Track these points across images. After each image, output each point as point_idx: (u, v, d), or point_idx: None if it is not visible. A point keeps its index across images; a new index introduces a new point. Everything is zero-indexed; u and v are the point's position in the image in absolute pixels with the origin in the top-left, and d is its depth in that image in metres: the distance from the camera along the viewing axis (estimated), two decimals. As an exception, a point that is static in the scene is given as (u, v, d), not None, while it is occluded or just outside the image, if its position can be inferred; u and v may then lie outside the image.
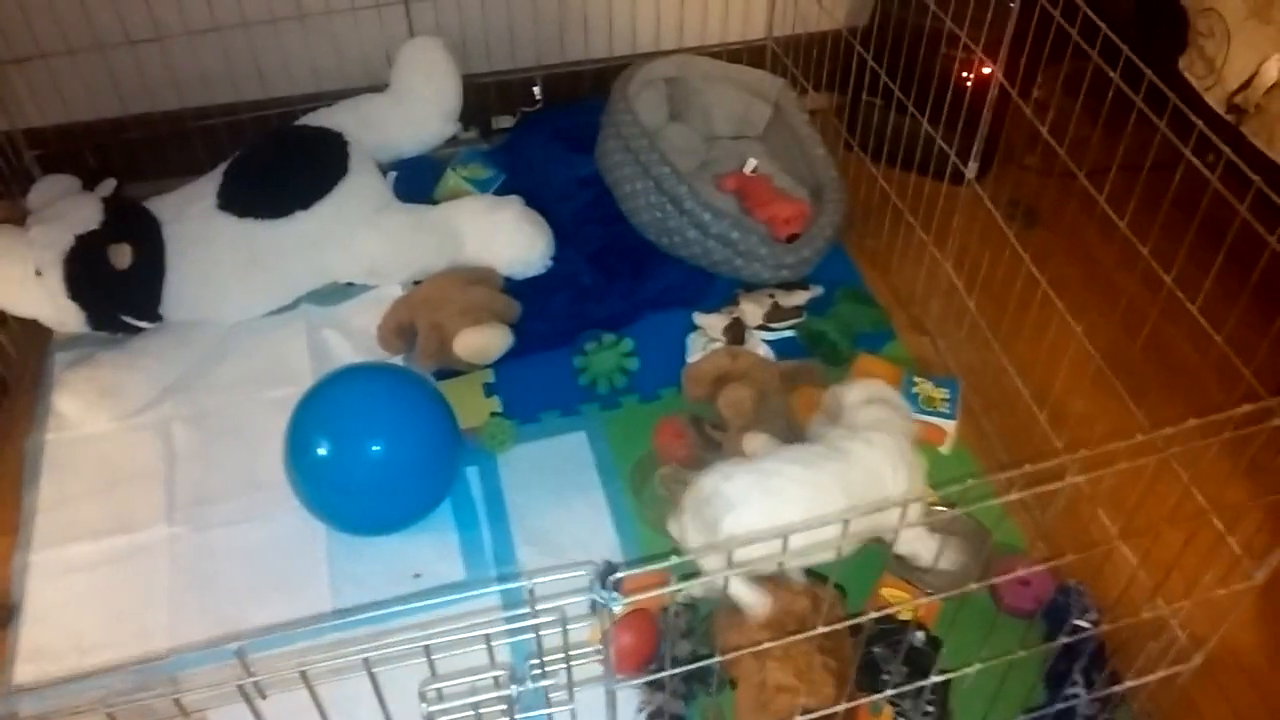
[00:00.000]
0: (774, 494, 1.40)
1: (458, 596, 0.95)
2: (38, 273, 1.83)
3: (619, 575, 0.92)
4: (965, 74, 2.06)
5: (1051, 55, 1.65)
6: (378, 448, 1.58)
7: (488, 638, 0.92)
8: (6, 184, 2.11)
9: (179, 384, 1.92)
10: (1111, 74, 1.46)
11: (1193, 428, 1.00)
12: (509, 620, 0.91)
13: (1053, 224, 2.19)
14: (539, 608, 0.91)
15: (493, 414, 1.84)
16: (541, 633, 0.94)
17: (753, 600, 1.35)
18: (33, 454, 1.84)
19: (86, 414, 1.85)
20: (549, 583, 0.92)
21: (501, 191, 2.17)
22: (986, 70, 1.83)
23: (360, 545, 1.67)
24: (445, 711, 0.95)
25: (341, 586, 1.63)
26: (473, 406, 1.85)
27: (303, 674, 0.91)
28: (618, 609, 0.94)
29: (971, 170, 1.85)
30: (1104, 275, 1.99)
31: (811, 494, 1.40)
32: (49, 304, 1.86)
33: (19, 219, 1.91)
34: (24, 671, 1.56)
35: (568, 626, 0.94)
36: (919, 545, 1.50)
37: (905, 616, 1.51)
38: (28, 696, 1.43)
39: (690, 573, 1.47)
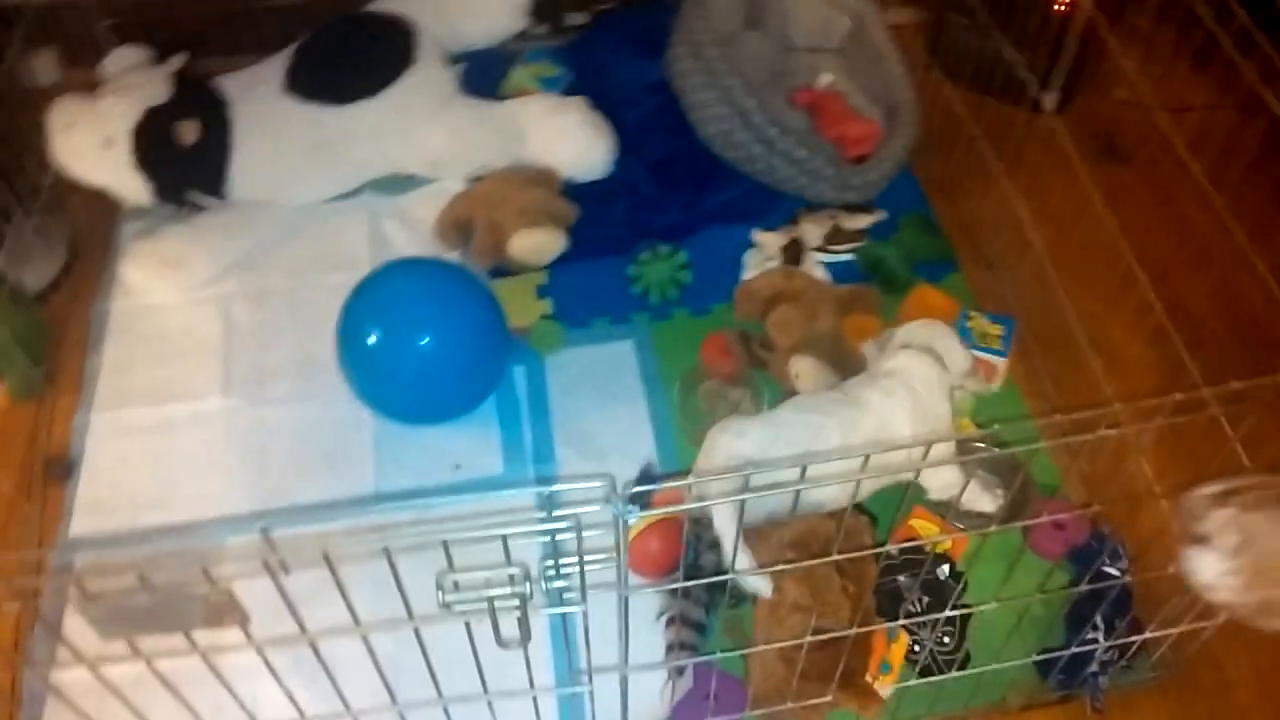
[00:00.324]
0: (791, 446, 1.40)
1: (478, 496, 0.96)
2: (107, 143, 1.87)
3: (637, 489, 0.93)
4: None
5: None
6: (426, 340, 1.60)
7: (504, 538, 0.93)
8: (83, 53, 2.13)
9: (241, 262, 1.96)
10: (1202, 7, 1.39)
11: (1233, 390, 0.97)
12: (525, 523, 0.93)
13: (1138, 161, 2.11)
14: (557, 513, 0.93)
15: (543, 316, 1.85)
16: (560, 538, 0.96)
17: (760, 586, 1.36)
18: (98, 319, 1.89)
19: (150, 284, 1.90)
20: (570, 490, 0.93)
21: (568, 91, 2.14)
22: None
23: (406, 433, 1.71)
24: (461, 601, 0.97)
25: (385, 470, 1.67)
26: (524, 307, 1.86)
27: (325, 556, 0.94)
28: (633, 521, 0.95)
29: (1050, 100, 1.79)
30: (1182, 218, 1.92)
31: (827, 447, 1.41)
32: (117, 175, 1.90)
33: (92, 88, 1.93)
34: (80, 524, 1.64)
35: (583, 533, 0.95)
36: (948, 488, 1.50)
37: (935, 551, 1.52)
38: (83, 550, 1.50)
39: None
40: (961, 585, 1.48)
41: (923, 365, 1.50)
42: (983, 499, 1.52)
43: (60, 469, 1.68)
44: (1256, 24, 1.36)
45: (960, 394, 1.70)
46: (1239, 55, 1.36)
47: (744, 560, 1.34)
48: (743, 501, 0.99)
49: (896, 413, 1.45)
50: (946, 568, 1.50)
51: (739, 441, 1.41)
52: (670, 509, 1.39)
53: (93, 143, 1.88)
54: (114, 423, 1.75)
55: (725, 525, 1.35)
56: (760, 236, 1.90)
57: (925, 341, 1.53)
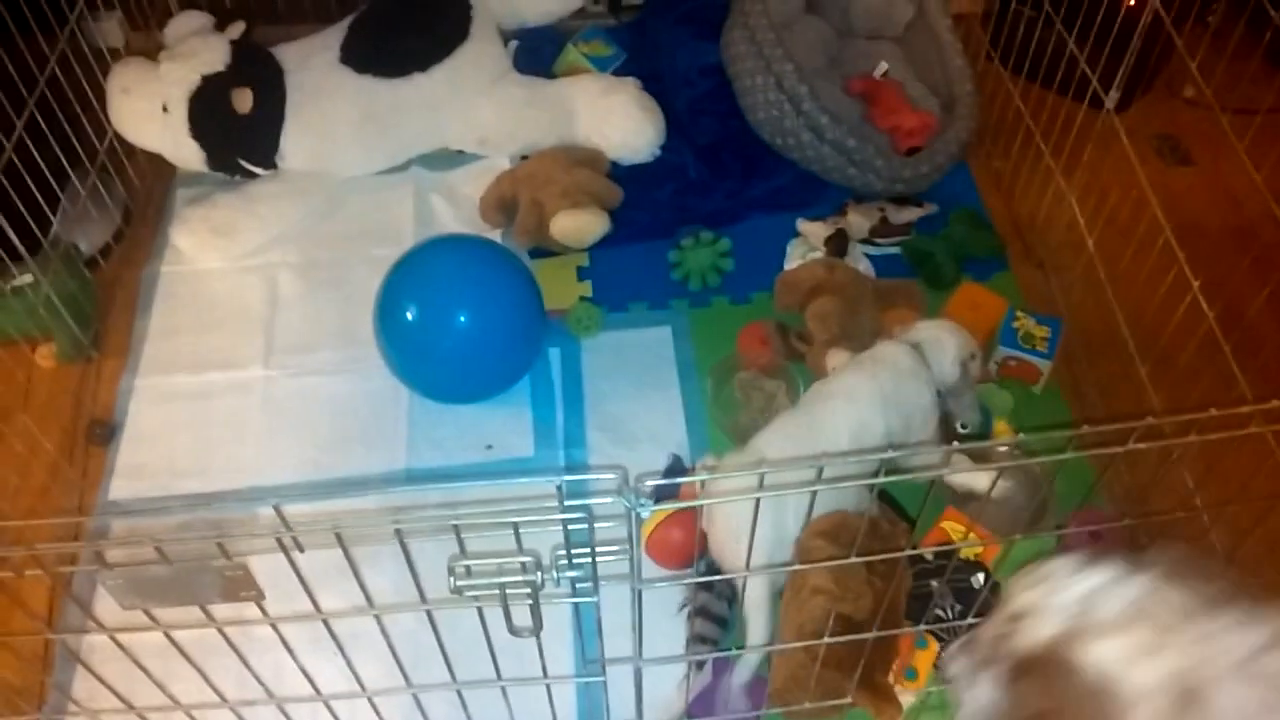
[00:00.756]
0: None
1: (494, 481, 0.95)
2: (165, 108, 1.89)
3: (652, 483, 0.92)
4: (1126, -8, 1.91)
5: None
6: (463, 319, 1.61)
7: (515, 526, 0.93)
8: (146, 16, 2.16)
9: (289, 232, 1.98)
10: (1272, 11, 1.34)
11: (1275, 408, 0.94)
12: (538, 512, 0.92)
13: (1201, 164, 2.05)
14: (569, 504, 0.92)
15: (582, 298, 1.85)
16: (574, 528, 0.96)
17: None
18: (148, 283, 1.93)
19: (199, 251, 1.92)
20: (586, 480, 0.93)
21: (622, 72, 2.13)
22: (1145, -9, 1.70)
23: (440, 411, 1.72)
24: (473, 587, 0.97)
25: (418, 447, 1.69)
26: (563, 288, 1.86)
27: (338, 535, 0.94)
28: (646, 515, 0.95)
29: (1111, 100, 1.73)
30: (1245, 225, 1.87)
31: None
32: (172, 140, 1.92)
33: (154, 52, 1.96)
34: (119, 487, 1.67)
35: (596, 524, 0.95)
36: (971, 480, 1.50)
37: (967, 556, 1.49)
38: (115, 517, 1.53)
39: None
40: (997, 597, 1.45)
41: (898, 356, 1.52)
42: (976, 477, 1.51)
43: (103, 432, 1.71)
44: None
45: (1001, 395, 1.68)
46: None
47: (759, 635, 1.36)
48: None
49: (862, 398, 1.47)
50: (981, 576, 1.47)
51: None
52: (686, 504, 1.39)
53: (150, 108, 1.91)
54: (157, 388, 1.78)
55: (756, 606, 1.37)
56: (805, 226, 1.88)
57: (918, 339, 1.54)
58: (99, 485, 1.66)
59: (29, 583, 1.45)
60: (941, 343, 1.55)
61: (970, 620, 1.36)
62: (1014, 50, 2.06)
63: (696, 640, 1.42)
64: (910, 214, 1.91)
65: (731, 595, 1.45)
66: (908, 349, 1.53)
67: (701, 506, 1.39)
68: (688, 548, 1.46)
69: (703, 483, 0.96)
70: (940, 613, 1.44)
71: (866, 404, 1.48)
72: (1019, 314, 1.73)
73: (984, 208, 2.00)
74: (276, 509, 0.91)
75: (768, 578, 1.37)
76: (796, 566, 1.31)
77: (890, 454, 0.93)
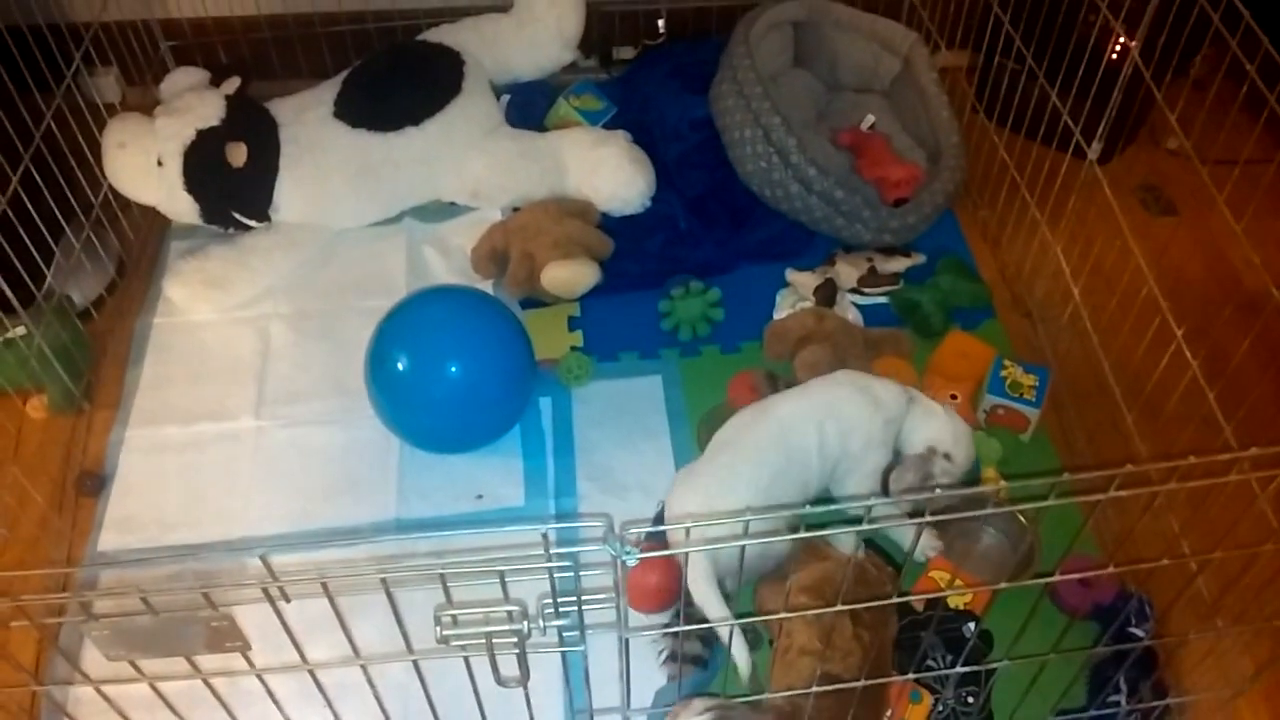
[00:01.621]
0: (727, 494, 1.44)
1: (481, 531, 0.96)
2: (159, 162, 1.91)
3: (636, 531, 0.93)
4: (1108, 45, 1.95)
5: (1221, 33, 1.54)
6: (454, 369, 1.62)
7: (502, 574, 0.93)
8: (142, 72, 2.19)
9: (281, 284, 1.99)
10: (1248, 65, 1.37)
11: (1254, 456, 0.95)
12: (524, 561, 0.93)
13: (1185, 214, 2.08)
14: (555, 552, 0.93)
15: (573, 348, 1.86)
16: (560, 576, 0.96)
17: (743, 662, 1.36)
18: (140, 335, 1.93)
19: (192, 302, 1.94)
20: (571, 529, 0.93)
21: (613, 125, 2.16)
22: (1130, 43, 1.73)
23: (430, 461, 1.72)
24: (459, 637, 0.97)
25: (408, 498, 1.69)
26: (554, 338, 1.87)
27: (324, 585, 0.94)
28: (632, 563, 0.95)
29: (1094, 151, 1.76)
30: (1229, 273, 1.89)
31: (753, 454, 1.47)
32: (166, 193, 1.94)
33: (150, 107, 1.98)
34: (108, 539, 1.66)
35: (582, 573, 0.95)
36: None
37: (956, 604, 1.49)
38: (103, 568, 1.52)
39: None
40: (988, 646, 1.44)
41: (842, 375, 1.56)
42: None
43: (93, 483, 1.71)
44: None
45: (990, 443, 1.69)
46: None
47: (716, 612, 1.36)
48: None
49: (801, 416, 1.50)
50: (971, 625, 1.47)
51: (696, 495, 1.46)
52: (667, 552, 1.39)
53: (145, 162, 1.92)
54: (148, 439, 1.78)
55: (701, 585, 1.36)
56: (794, 276, 1.89)
57: (916, 395, 1.56)
58: (88, 537, 1.66)
59: (16, 634, 1.45)
60: (930, 413, 1.55)
61: (961, 669, 1.36)
62: (999, 103, 2.09)
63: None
64: (898, 264, 1.93)
65: (708, 636, 1.45)
66: (855, 383, 1.55)
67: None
68: (663, 592, 1.46)
69: (688, 530, 0.97)
70: (931, 663, 1.44)
71: (797, 405, 1.51)
72: (1007, 363, 1.74)
73: (971, 257, 2.02)
74: (264, 559, 0.91)
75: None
76: (783, 615, 1.30)
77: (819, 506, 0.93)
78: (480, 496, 1.68)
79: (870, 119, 2.16)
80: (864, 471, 1.52)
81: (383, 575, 0.93)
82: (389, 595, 0.96)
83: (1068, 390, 1.77)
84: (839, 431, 1.49)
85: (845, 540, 1.49)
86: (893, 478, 1.52)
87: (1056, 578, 1.18)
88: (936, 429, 1.53)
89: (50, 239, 1.78)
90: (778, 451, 1.47)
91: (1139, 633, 1.42)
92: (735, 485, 1.44)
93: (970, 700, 1.41)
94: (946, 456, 1.52)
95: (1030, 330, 1.90)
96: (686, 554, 1.31)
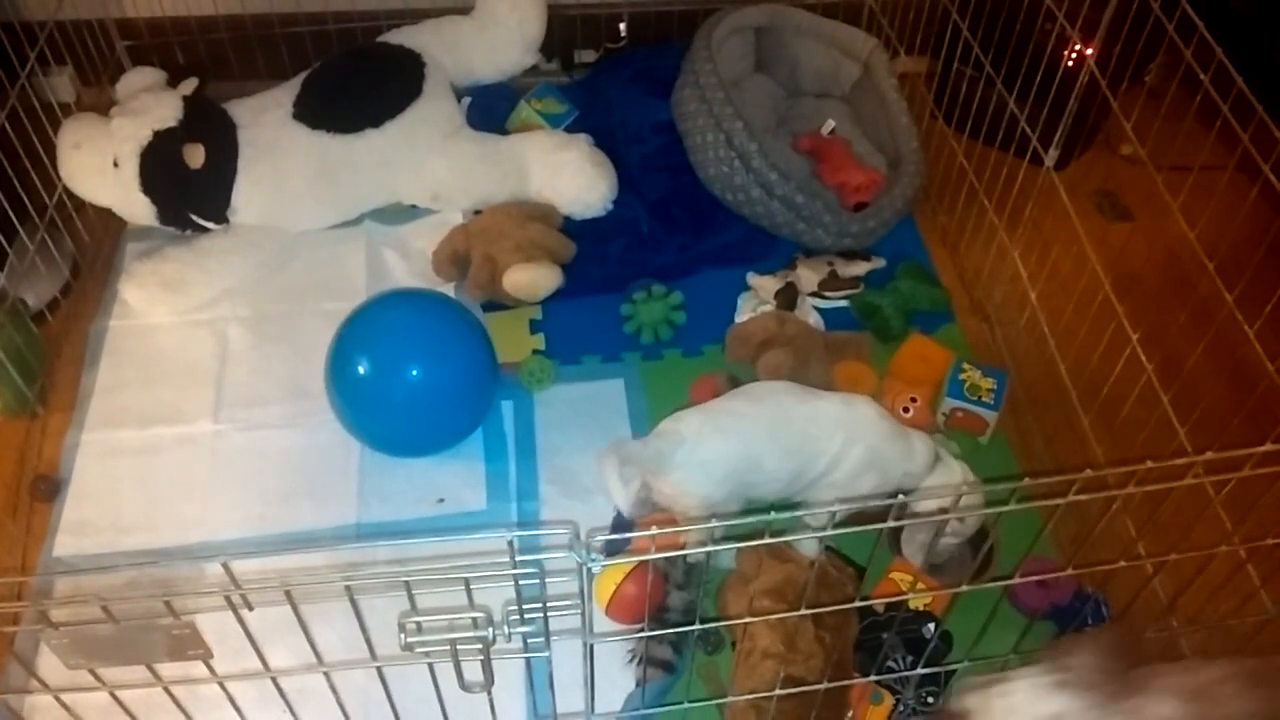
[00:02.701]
0: (722, 430, 1.45)
1: (445, 538, 0.96)
2: (115, 164, 1.89)
3: (601, 538, 0.93)
4: (1064, 53, 1.97)
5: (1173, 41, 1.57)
6: (415, 372, 1.61)
7: (467, 581, 0.93)
8: (98, 72, 2.16)
9: (239, 287, 1.97)
10: (1201, 75, 1.40)
11: (1208, 460, 0.97)
12: (489, 568, 0.92)
13: (1141, 219, 2.11)
14: (520, 559, 0.93)
15: (534, 351, 1.86)
16: (525, 583, 0.96)
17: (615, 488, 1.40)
18: (95, 338, 1.90)
19: (148, 305, 1.91)
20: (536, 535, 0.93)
21: (575, 128, 2.16)
22: (1087, 51, 1.75)
23: (391, 464, 1.71)
24: (424, 644, 0.97)
25: (368, 501, 1.67)
26: (516, 342, 1.86)
27: (287, 592, 0.94)
28: (597, 570, 0.95)
29: (1051, 158, 1.79)
30: (1184, 278, 1.92)
31: (752, 425, 1.46)
32: (122, 195, 1.91)
33: (106, 108, 1.96)
34: (64, 543, 1.64)
35: (548, 579, 0.95)
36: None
37: (916, 606, 1.51)
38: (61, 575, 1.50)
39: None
40: (948, 646, 1.46)
41: (886, 424, 1.52)
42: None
43: (48, 488, 1.69)
44: (1253, 87, 1.36)
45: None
46: (1235, 116, 1.36)
47: (620, 496, 1.40)
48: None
49: (834, 422, 1.48)
50: (932, 626, 1.48)
51: (677, 423, 1.47)
52: (637, 558, 1.39)
53: (100, 163, 1.90)
54: (104, 443, 1.76)
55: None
56: (755, 280, 1.90)
57: (906, 432, 1.55)
58: (43, 542, 1.63)
59: (-33, 642, 1.42)
60: (951, 474, 1.53)
61: (921, 670, 1.37)
62: (957, 109, 2.11)
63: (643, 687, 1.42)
64: (858, 268, 1.94)
65: (678, 642, 1.45)
66: (907, 429, 1.54)
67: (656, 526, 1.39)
68: (641, 602, 1.46)
69: (653, 538, 0.97)
70: (892, 664, 1.45)
71: (837, 410, 1.50)
72: (965, 366, 1.76)
73: (930, 262, 2.04)
74: (225, 566, 0.91)
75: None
76: (747, 620, 1.31)
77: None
78: (442, 500, 1.67)
79: (831, 124, 2.18)
80: (843, 490, 1.52)
81: (347, 583, 0.93)
82: (353, 603, 0.95)
83: (1025, 393, 1.79)
84: (859, 459, 1.48)
85: (808, 545, 1.50)
86: (904, 537, 1.53)
87: (1015, 580, 1.20)
88: (924, 455, 1.52)
89: (4, 240, 1.75)
90: (790, 432, 1.46)
91: (1094, 633, 1.44)
92: (733, 430, 1.45)
93: (930, 700, 1.43)
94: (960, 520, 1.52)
95: (988, 334, 1.93)
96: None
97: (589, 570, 0.93)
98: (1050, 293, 1.80)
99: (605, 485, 1.41)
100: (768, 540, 0.96)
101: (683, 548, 1.43)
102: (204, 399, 1.81)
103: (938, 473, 1.53)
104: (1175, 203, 1.49)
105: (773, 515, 0.94)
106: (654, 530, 0.93)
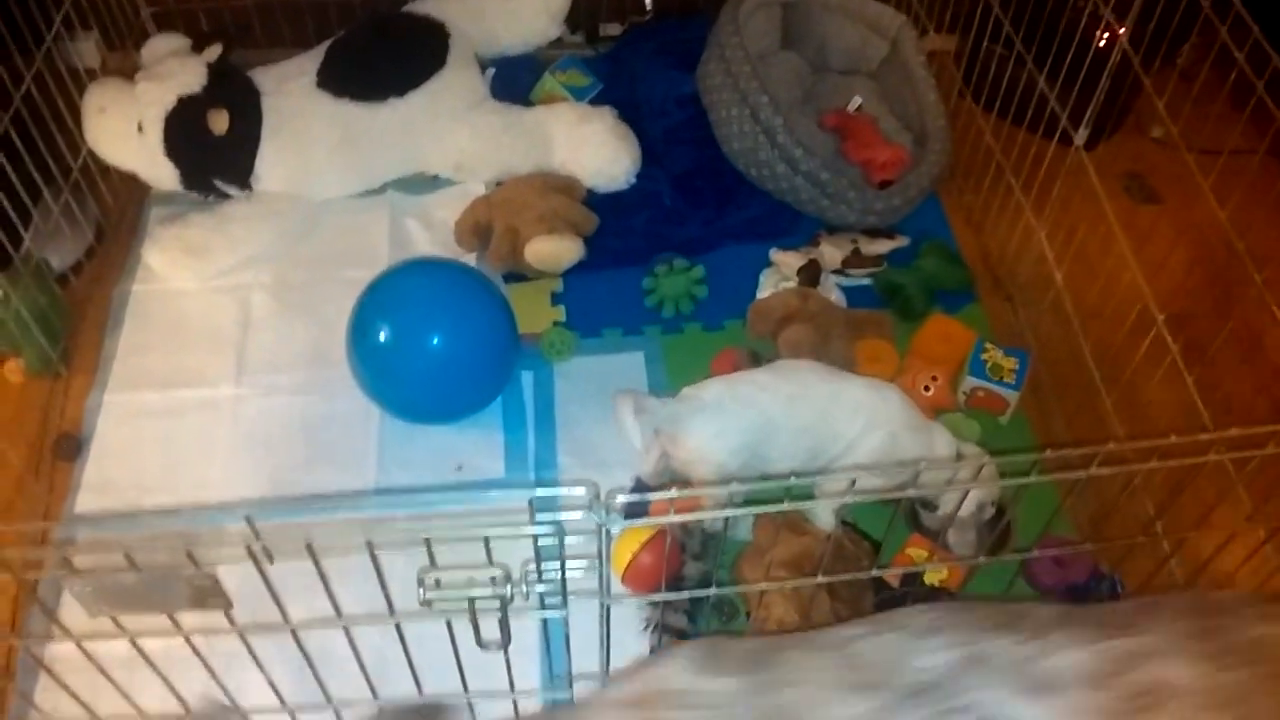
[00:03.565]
0: (741, 399, 1.46)
1: (466, 496, 0.96)
2: (140, 128, 1.89)
3: (622, 499, 0.93)
4: (1096, 32, 1.96)
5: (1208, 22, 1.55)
6: (436, 341, 1.61)
7: (486, 539, 0.93)
8: (123, 37, 2.17)
9: (262, 253, 1.97)
10: (1236, 52, 1.38)
11: (1231, 437, 0.96)
12: (508, 526, 0.93)
13: (1169, 202, 2.09)
14: (540, 518, 0.93)
15: (555, 323, 1.86)
16: (544, 543, 0.96)
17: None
18: (119, 301, 1.91)
19: (171, 270, 1.92)
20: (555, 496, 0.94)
21: (598, 101, 2.15)
22: (1119, 31, 1.73)
23: (411, 431, 1.72)
24: (442, 600, 0.97)
25: (388, 468, 1.68)
26: (537, 313, 1.86)
27: (308, 546, 0.94)
28: (616, 531, 0.95)
29: (1080, 137, 1.77)
30: (1210, 261, 1.90)
31: (773, 398, 1.46)
32: (147, 160, 1.92)
33: (131, 73, 1.96)
34: (85, 501, 1.65)
35: (566, 540, 0.95)
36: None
37: (932, 581, 1.50)
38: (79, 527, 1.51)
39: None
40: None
41: (910, 416, 1.52)
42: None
43: (70, 447, 1.70)
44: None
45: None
46: (1270, 98, 1.34)
47: (634, 435, 1.44)
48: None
49: (857, 406, 1.49)
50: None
51: (699, 390, 1.48)
52: (656, 519, 1.39)
53: (125, 127, 1.90)
54: (126, 404, 1.77)
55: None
56: (778, 256, 1.90)
57: (928, 427, 1.55)
58: (65, 500, 1.64)
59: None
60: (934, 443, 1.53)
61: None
62: (986, 87, 2.09)
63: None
64: (882, 246, 1.93)
65: (693, 611, 1.46)
66: (930, 424, 1.54)
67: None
68: (658, 571, 1.46)
69: (673, 501, 0.97)
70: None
71: (861, 395, 1.50)
72: (988, 345, 1.75)
73: (955, 241, 2.03)
74: (249, 520, 0.91)
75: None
76: (763, 586, 1.31)
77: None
78: (460, 468, 1.68)
79: (857, 101, 2.16)
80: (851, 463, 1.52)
81: (368, 538, 0.93)
82: (373, 558, 0.96)
83: (1047, 374, 1.78)
84: (876, 446, 1.48)
85: (824, 517, 1.50)
86: (953, 539, 1.52)
87: (1034, 553, 1.19)
88: (985, 490, 1.51)
89: (29, 202, 1.76)
90: (809, 409, 1.47)
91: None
92: (752, 400, 1.46)
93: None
94: (993, 504, 1.52)
95: (1011, 314, 1.91)
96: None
97: (608, 531, 0.93)
98: (1075, 273, 1.78)
99: (618, 424, 1.44)
100: (786, 505, 0.96)
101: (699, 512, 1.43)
102: (226, 364, 1.82)
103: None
104: (1207, 183, 1.47)
105: (793, 480, 0.93)
106: (673, 493, 0.93)
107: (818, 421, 1.47)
